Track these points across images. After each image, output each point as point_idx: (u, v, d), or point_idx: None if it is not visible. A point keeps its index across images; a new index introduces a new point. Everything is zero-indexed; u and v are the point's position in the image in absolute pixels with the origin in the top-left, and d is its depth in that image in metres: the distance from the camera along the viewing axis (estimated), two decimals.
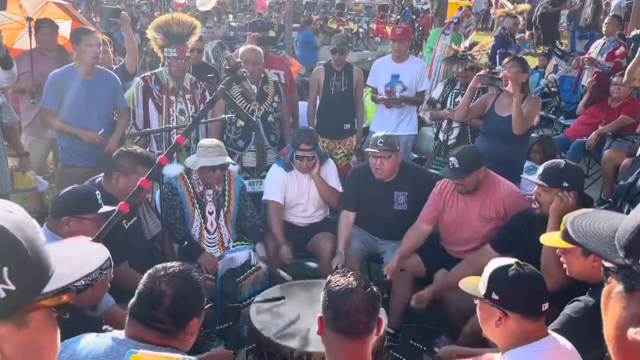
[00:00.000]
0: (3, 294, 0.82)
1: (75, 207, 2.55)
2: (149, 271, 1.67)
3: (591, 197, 2.98)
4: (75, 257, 0.97)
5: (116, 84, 4.07)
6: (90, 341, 1.62)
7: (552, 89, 7.74)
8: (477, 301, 1.89)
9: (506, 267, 1.81)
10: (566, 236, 2.11)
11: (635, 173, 3.25)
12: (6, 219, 0.86)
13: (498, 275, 1.81)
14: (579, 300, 2.04)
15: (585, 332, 1.85)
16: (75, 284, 0.91)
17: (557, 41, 13.01)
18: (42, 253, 0.89)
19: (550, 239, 2.25)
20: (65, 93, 3.86)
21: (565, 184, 2.67)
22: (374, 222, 3.69)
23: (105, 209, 2.55)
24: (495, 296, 1.79)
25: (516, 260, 1.85)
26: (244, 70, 2.34)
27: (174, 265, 1.69)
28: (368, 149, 3.58)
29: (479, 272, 2.93)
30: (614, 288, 0.83)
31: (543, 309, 1.77)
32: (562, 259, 2.21)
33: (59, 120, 3.90)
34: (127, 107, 4.06)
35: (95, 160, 3.92)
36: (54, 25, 4.68)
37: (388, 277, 3.32)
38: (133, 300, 1.63)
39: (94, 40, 3.87)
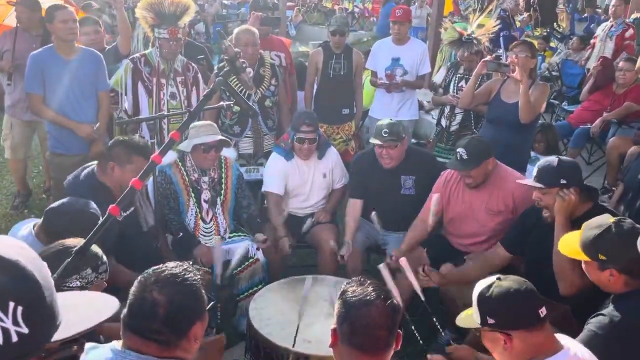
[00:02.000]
0: (15, 338, 0.74)
1: (76, 235, 2.25)
2: (139, 277, 1.51)
3: (595, 188, 2.86)
4: (82, 305, 0.91)
5: (99, 63, 3.86)
6: (87, 353, 1.48)
7: (554, 73, 7.61)
8: (478, 333, 1.80)
9: (487, 288, 1.75)
10: (587, 248, 1.99)
11: None
12: (22, 255, 0.79)
13: (483, 299, 1.74)
14: (603, 315, 1.93)
15: (614, 349, 1.74)
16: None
17: (555, 23, 12.86)
18: (54, 297, 0.82)
19: (569, 248, 2.12)
20: (46, 76, 3.68)
21: (563, 181, 2.53)
22: (380, 209, 3.56)
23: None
24: (490, 321, 1.72)
25: (497, 276, 1.78)
26: (243, 61, 2.18)
27: (165, 268, 1.51)
28: (372, 140, 3.44)
29: (488, 274, 2.85)
30: None
31: (542, 315, 1.69)
32: (583, 266, 2.09)
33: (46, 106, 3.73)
34: (107, 91, 3.87)
35: (84, 147, 3.77)
36: (30, 4, 4.45)
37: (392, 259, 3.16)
38: (125, 310, 1.47)
39: (68, 15, 3.66)
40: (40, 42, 4.28)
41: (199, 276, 1.54)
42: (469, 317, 1.83)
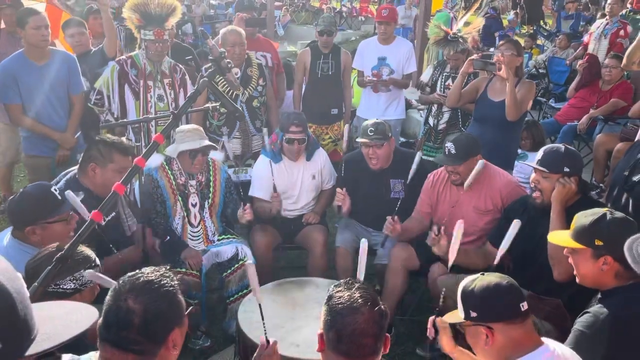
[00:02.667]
0: None
1: (34, 213, 2.32)
2: (113, 286, 1.46)
3: (588, 182, 2.89)
4: (59, 316, 0.89)
5: (72, 66, 3.80)
6: None
7: (541, 71, 7.65)
8: (462, 329, 1.83)
9: (470, 282, 1.79)
10: (582, 235, 2.01)
11: (634, 160, 3.14)
12: None
13: (467, 293, 1.78)
14: (589, 313, 1.94)
15: (600, 347, 1.75)
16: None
17: (542, 21, 12.95)
18: (29, 309, 0.80)
19: (559, 237, 2.14)
20: (20, 84, 3.61)
21: (567, 169, 2.57)
22: (368, 212, 3.55)
23: (70, 201, 2.35)
24: (473, 314, 1.75)
25: (481, 272, 1.82)
26: (228, 61, 2.16)
27: (140, 275, 1.46)
28: (359, 139, 3.43)
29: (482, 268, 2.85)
30: None
31: (523, 309, 1.71)
32: (570, 260, 2.09)
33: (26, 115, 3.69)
34: (81, 93, 3.83)
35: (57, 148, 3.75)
36: (16, 5, 4.40)
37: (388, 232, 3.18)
38: (100, 322, 1.42)
39: (40, 21, 3.61)
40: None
41: (175, 281, 1.49)
42: (454, 314, 1.87)
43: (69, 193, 2.40)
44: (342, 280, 1.62)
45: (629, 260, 1.39)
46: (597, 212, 2.03)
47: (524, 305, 1.72)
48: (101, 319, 1.41)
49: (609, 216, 1.99)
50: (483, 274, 1.79)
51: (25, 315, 0.79)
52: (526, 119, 4.19)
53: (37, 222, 2.31)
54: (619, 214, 2.02)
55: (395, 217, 3.18)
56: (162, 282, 1.45)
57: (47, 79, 3.66)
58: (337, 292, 1.55)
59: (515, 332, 1.70)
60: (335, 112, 4.69)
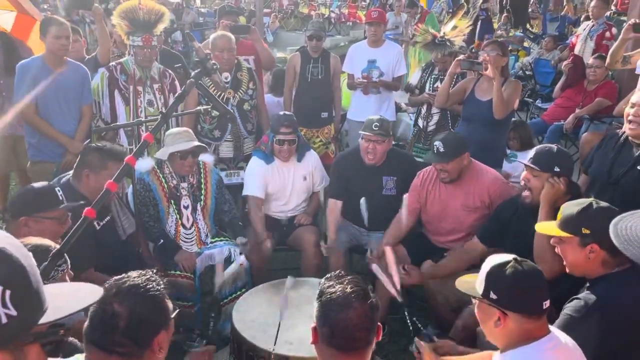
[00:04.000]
0: (5, 320, 0.78)
1: (32, 205, 2.39)
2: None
3: (578, 184, 2.93)
4: (67, 293, 0.96)
5: (85, 78, 3.90)
6: None
7: (527, 72, 7.76)
8: (474, 301, 1.80)
9: (504, 265, 1.72)
10: (569, 224, 2.05)
11: (612, 155, 3.17)
12: (9, 242, 0.84)
13: (495, 274, 1.72)
14: (578, 299, 1.97)
15: (590, 331, 1.78)
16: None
17: (528, 24, 13.11)
18: (40, 283, 0.87)
19: (546, 227, 2.19)
20: (36, 85, 3.69)
21: (557, 169, 2.62)
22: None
23: (67, 204, 2.40)
24: (493, 295, 1.70)
25: (514, 256, 1.76)
26: (214, 62, 2.19)
27: (127, 279, 1.49)
28: (362, 131, 3.48)
29: (467, 266, 2.88)
30: None
31: (544, 307, 1.69)
32: (557, 250, 2.14)
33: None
34: (91, 104, 3.90)
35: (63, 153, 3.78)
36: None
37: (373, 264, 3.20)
38: (86, 324, 1.45)
39: (62, 32, 3.69)
40: (2, 53, 4.30)
41: (162, 285, 1.52)
42: (469, 284, 1.82)
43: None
44: (332, 274, 1.62)
45: (614, 240, 1.38)
46: (583, 202, 2.08)
47: (547, 304, 1.69)
48: (87, 320, 1.44)
49: (595, 205, 2.04)
50: (517, 260, 1.73)
51: (38, 288, 0.86)
52: (513, 119, 4.26)
53: (32, 213, 2.36)
54: (604, 204, 2.07)
55: (374, 252, 3.21)
56: (148, 286, 1.47)
57: (61, 86, 3.76)
58: (328, 287, 1.56)
59: (529, 325, 1.69)
60: (326, 115, 4.74)
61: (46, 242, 1.94)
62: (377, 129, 3.39)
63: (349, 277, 1.59)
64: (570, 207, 2.09)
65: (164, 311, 1.50)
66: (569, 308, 1.97)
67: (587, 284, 2.04)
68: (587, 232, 2.00)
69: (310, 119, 4.65)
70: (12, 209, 2.50)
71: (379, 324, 1.57)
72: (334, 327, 1.50)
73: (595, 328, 1.81)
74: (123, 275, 1.51)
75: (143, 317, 1.44)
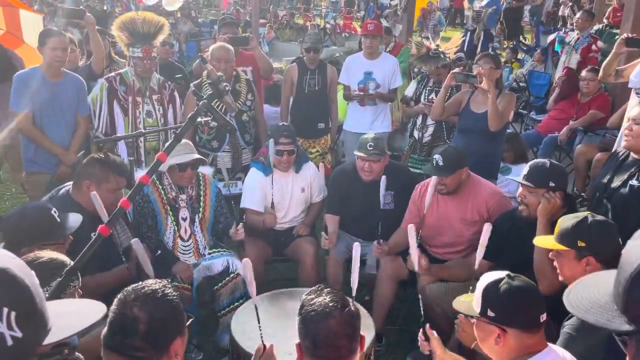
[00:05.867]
0: (10, 342, 0.78)
1: (33, 236, 2.31)
2: (118, 296, 1.51)
3: (573, 195, 2.97)
4: (70, 312, 0.95)
5: (81, 88, 3.90)
6: None
7: (521, 84, 7.83)
8: (473, 320, 1.83)
9: (497, 282, 1.75)
10: (565, 237, 2.07)
11: (612, 169, 3.24)
12: (13, 263, 0.83)
13: (490, 292, 1.75)
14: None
15: (589, 349, 1.80)
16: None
17: (521, 36, 13.26)
18: (44, 303, 0.87)
19: (544, 240, 2.22)
20: (32, 95, 3.71)
21: (552, 184, 2.64)
22: (359, 224, 3.60)
23: (70, 225, 2.38)
24: (491, 313, 1.73)
25: (507, 273, 1.79)
26: (226, 84, 2.23)
27: (145, 285, 1.52)
28: (357, 152, 3.50)
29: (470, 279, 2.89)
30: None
31: (541, 320, 1.72)
32: (555, 263, 2.17)
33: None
34: (88, 115, 3.90)
35: (57, 164, 3.78)
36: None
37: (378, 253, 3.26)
38: (105, 330, 1.47)
39: (59, 43, 3.71)
40: None
41: (177, 294, 1.55)
42: (466, 304, 1.85)
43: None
44: (311, 289, 1.66)
45: (567, 306, 1.42)
46: (579, 215, 2.13)
47: (543, 317, 1.71)
48: (106, 327, 1.45)
49: (590, 219, 2.08)
50: (510, 276, 1.76)
51: (42, 308, 0.85)
52: (508, 130, 4.30)
53: (34, 244, 2.29)
54: (599, 217, 2.12)
55: (381, 241, 3.25)
56: (166, 291, 1.51)
57: (58, 97, 3.77)
58: (308, 300, 1.59)
59: (528, 340, 1.70)
60: (322, 126, 4.76)
61: (61, 256, 1.95)
62: (371, 148, 3.41)
63: (326, 290, 1.62)
64: (567, 221, 2.13)
65: (180, 317, 1.53)
66: (568, 326, 1.99)
67: None
68: (583, 244, 2.04)
69: (307, 130, 4.68)
70: (10, 238, 2.37)
71: (362, 334, 1.59)
72: (316, 337, 1.52)
73: (597, 343, 1.82)
74: (139, 282, 1.54)
75: (162, 321, 1.46)
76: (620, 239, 2.07)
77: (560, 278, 2.16)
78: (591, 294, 0.87)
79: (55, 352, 0.86)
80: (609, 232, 2.07)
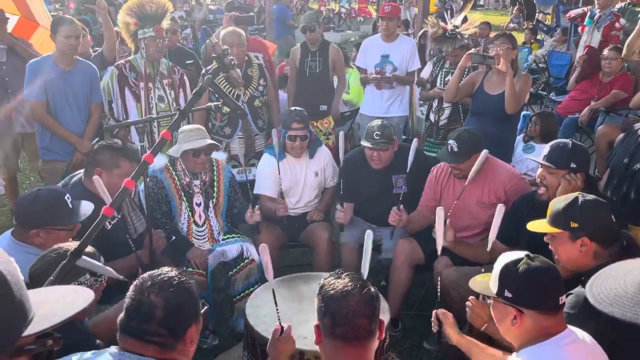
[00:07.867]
0: None
1: (43, 218, 2.35)
2: (134, 282, 1.53)
3: (594, 177, 2.88)
4: (55, 300, 0.90)
5: (94, 76, 3.91)
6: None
7: (541, 65, 7.66)
8: (489, 301, 1.78)
9: (516, 262, 1.70)
10: (557, 219, 2.02)
11: (634, 147, 3.13)
12: None
13: (508, 272, 1.70)
14: (571, 294, 1.93)
15: (586, 326, 1.74)
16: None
17: (541, 14, 12.94)
18: (24, 294, 0.82)
19: (537, 225, 2.15)
20: (46, 84, 3.74)
21: (573, 165, 2.54)
22: (372, 209, 3.56)
23: (81, 213, 2.38)
24: (508, 294, 1.69)
25: (526, 253, 1.73)
26: (231, 57, 2.19)
27: (161, 272, 1.55)
28: (363, 142, 3.44)
29: (487, 260, 2.84)
30: None
31: (560, 302, 1.67)
32: (551, 247, 2.11)
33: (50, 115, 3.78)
34: (100, 102, 3.91)
35: (73, 151, 3.82)
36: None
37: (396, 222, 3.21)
38: (122, 315, 1.50)
39: (71, 31, 3.71)
40: (6, 54, 4.34)
41: (193, 281, 1.58)
42: (483, 283, 1.81)
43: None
44: (331, 272, 1.66)
45: (590, 300, 1.37)
46: (569, 196, 2.08)
47: (563, 299, 1.67)
48: (123, 312, 1.49)
49: (581, 199, 2.04)
50: (530, 256, 1.71)
51: (21, 297, 0.81)
52: (538, 111, 4.16)
53: (44, 226, 2.34)
54: (590, 196, 2.06)
55: (401, 207, 3.19)
56: (182, 279, 1.54)
57: (71, 85, 3.79)
58: (328, 282, 1.60)
59: (546, 322, 1.66)
60: (325, 108, 4.69)
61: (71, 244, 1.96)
62: (378, 137, 3.35)
63: (346, 273, 1.63)
64: (558, 203, 2.08)
65: (196, 304, 1.56)
66: (565, 305, 1.94)
67: (582, 277, 2.00)
68: (576, 225, 2.00)
69: (309, 112, 4.58)
70: (21, 219, 2.42)
71: (381, 319, 1.58)
72: (335, 315, 1.52)
73: (591, 322, 1.77)
74: (156, 270, 1.56)
75: (178, 307, 1.49)
76: (613, 217, 2.03)
77: (558, 261, 2.09)
78: (616, 285, 0.82)
79: (37, 343, 0.81)
80: (601, 210, 2.02)
